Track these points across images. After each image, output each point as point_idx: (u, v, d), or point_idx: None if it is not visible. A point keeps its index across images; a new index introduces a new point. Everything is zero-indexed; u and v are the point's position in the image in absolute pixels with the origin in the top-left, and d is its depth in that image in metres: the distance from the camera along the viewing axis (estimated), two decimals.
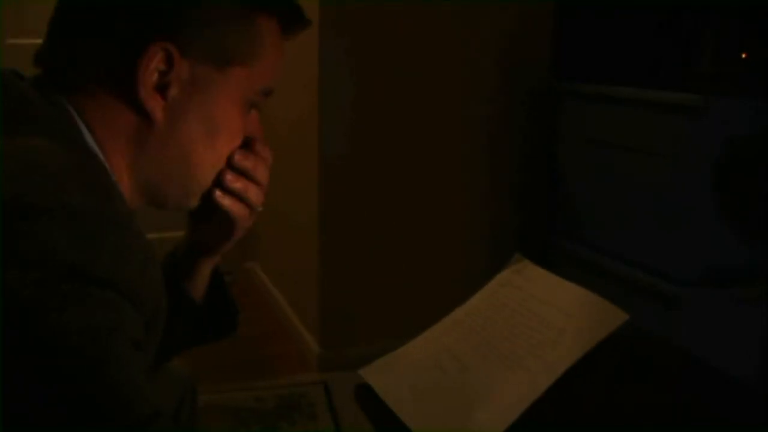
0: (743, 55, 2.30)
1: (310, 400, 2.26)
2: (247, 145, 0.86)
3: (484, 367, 0.98)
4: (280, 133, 2.83)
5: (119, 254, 0.63)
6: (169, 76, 0.73)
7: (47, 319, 0.57)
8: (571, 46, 2.53)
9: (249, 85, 0.80)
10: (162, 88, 0.74)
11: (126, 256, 0.64)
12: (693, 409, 1.11)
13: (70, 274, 0.59)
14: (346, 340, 2.50)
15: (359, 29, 2.32)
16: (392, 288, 2.54)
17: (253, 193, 0.89)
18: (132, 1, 0.72)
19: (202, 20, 0.74)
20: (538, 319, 1.03)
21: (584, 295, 1.03)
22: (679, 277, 2.00)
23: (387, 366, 1.02)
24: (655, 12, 2.52)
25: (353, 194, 2.43)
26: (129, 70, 0.72)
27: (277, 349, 2.66)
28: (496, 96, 2.52)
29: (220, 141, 0.80)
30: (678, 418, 1.08)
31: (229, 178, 0.85)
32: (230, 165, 0.85)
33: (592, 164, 2.30)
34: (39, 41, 0.77)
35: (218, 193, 0.86)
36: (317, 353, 2.48)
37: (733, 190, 1.99)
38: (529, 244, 2.68)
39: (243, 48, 0.77)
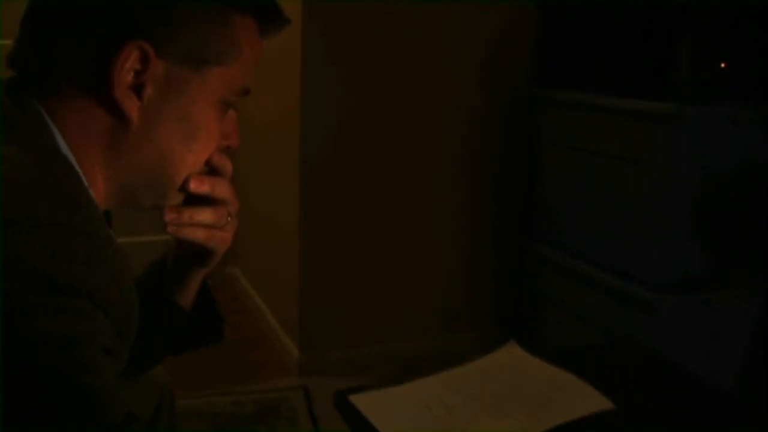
0: (722, 64, 2.34)
1: (290, 405, 2.26)
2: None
3: (472, 414, 0.99)
4: (261, 136, 2.83)
5: (88, 263, 0.63)
6: (144, 75, 0.72)
7: (17, 329, 0.57)
8: (551, 54, 2.55)
9: (226, 86, 0.79)
10: (137, 88, 0.73)
11: (95, 265, 0.64)
12: (669, 412, 1.12)
13: (39, 285, 0.59)
14: (326, 345, 2.50)
15: (342, 34, 2.32)
16: (373, 293, 2.54)
17: (215, 217, 0.88)
18: (107, 0, 0.71)
19: (179, 20, 0.73)
20: (529, 387, 1.04)
21: (575, 380, 1.04)
22: (655, 283, 2.02)
23: (378, 398, 1.03)
24: (635, 21, 2.55)
25: (334, 199, 2.43)
26: (104, 70, 0.71)
27: (257, 354, 2.65)
28: (477, 103, 2.54)
29: (197, 142, 0.79)
30: (654, 421, 1.09)
31: (188, 214, 0.85)
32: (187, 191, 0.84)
33: (571, 171, 2.32)
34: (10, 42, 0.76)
35: (171, 229, 0.85)
36: (297, 358, 2.48)
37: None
38: (507, 250, 2.70)
39: (220, 48, 0.77)
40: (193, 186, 0.83)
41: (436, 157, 2.53)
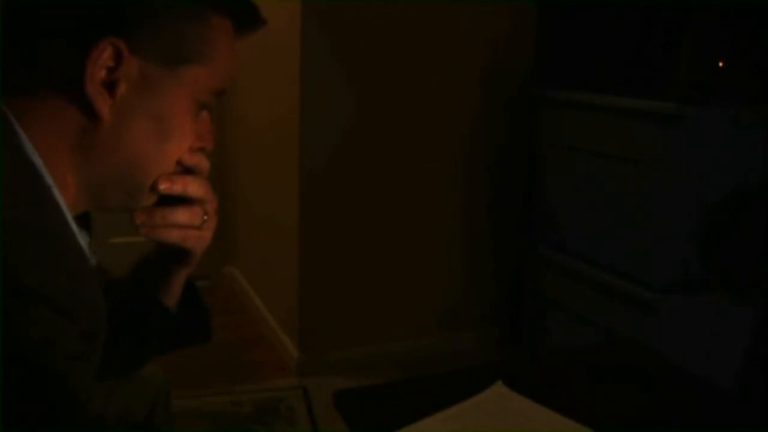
0: (721, 64, 2.33)
1: (289, 405, 2.25)
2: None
3: None
4: (261, 137, 2.83)
5: (48, 266, 0.62)
6: (117, 73, 0.71)
7: None
8: (551, 55, 2.55)
9: (201, 86, 0.78)
10: (110, 86, 0.72)
11: (56, 267, 0.63)
12: (668, 412, 1.12)
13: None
14: (325, 345, 2.50)
15: (341, 34, 2.32)
16: (372, 293, 2.54)
17: (189, 217, 0.86)
18: None
19: (154, 18, 0.73)
20: (525, 428, 1.04)
21: (567, 422, 1.04)
22: (655, 284, 2.02)
23: None
24: (635, 21, 2.55)
25: (334, 199, 2.43)
26: (77, 67, 0.70)
27: (256, 353, 2.64)
28: (477, 102, 2.54)
29: (169, 142, 0.78)
30: (654, 421, 1.09)
31: (160, 215, 0.84)
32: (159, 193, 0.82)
33: (571, 171, 2.32)
34: None
35: (144, 231, 0.84)
36: (296, 358, 2.48)
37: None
38: (507, 250, 2.70)
39: (196, 47, 0.76)
40: (164, 186, 0.81)
41: (436, 158, 2.53)
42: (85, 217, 0.83)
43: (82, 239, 0.78)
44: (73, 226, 0.74)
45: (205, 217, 0.88)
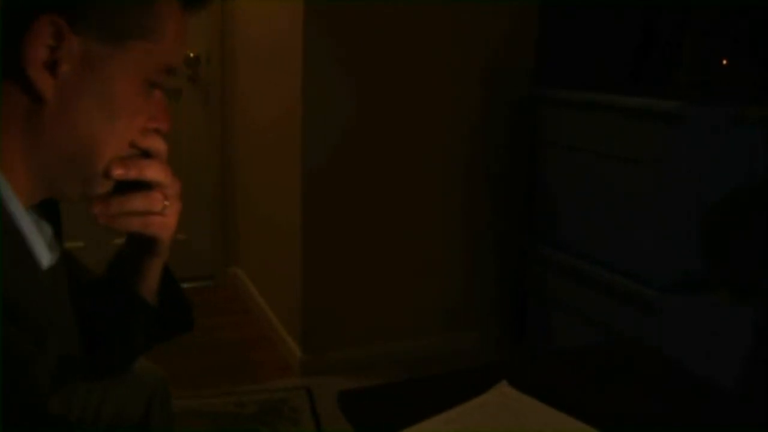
0: (724, 62, 2.33)
1: (293, 405, 2.26)
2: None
3: None
4: (263, 137, 2.83)
5: None
6: (59, 52, 0.68)
7: None
8: (553, 54, 2.55)
9: (149, 63, 0.74)
10: (52, 66, 0.69)
11: None
12: (670, 412, 1.12)
13: None
14: (328, 345, 2.50)
15: (343, 34, 2.32)
16: (374, 293, 2.54)
17: (147, 203, 0.83)
18: None
19: None
20: (530, 427, 1.03)
21: (572, 422, 1.04)
22: (657, 283, 2.02)
23: None
24: (636, 20, 2.55)
25: (336, 199, 2.43)
26: (16, 48, 0.67)
27: (259, 354, 2.65)
28: (478, 102, 2.54)
29: (119, 122, 0.74)
30: (658, 420, 1.09)
31: (116, 203, 0.81)
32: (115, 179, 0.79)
33: (572, 170, 2.32)
34: None
35: (102, 220, 0.80)
36: (299, 358, 2.48)
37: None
38: (508, 249, 2.70)
39: (140, 22, 0.73)
40: (118, 172, 0.77)
41: (437, 157, 2.53)
42: (53, 208, 0.81)
43: (42, 230, 0.77)
44: (20, 216, 0.71)
45: (166, 203, 0.84)
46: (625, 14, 2.55)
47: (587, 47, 2.52)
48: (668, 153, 1.99)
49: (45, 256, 0.76)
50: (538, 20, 2.55)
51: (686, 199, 2.00)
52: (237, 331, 2.82)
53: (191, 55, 3.01)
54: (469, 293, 2.70)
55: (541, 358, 1.76)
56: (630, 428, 1.05)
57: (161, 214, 0.85)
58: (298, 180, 2.39)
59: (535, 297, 2.53)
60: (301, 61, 2.30)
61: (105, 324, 0.92)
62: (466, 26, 2.45)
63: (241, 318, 2.95)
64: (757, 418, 1.11)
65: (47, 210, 0.80)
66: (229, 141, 3.14)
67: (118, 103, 0.74)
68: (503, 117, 2.59)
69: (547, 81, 2.51)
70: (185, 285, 3.29)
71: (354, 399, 1.15)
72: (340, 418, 1.12)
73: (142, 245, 0.90)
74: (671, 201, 2.00)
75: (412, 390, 1.19)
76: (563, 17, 2.54)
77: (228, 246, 3.27)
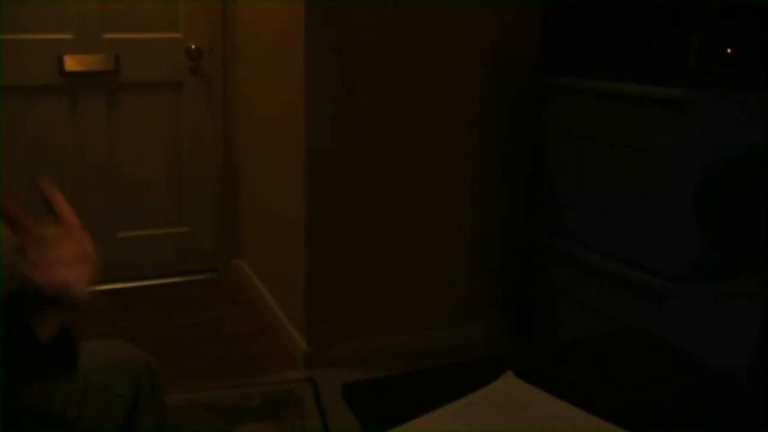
0: (729, 50, 2.31)
1: (298, 397, 2.25)
2: None
3: None
4: (266, 130, 2.82)
5: None
6: None
7: None
8: (559, 42, 2.53)
9: None
10: None
11: None
12: (681, 403, 1.11)
13: None
14: (333, 337, 2.49)
15: (346, 26, 2.30)
16: (379, 285, 2.53)
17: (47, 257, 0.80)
18: None
19: None
20: (537, 418, 1.02)
21: (579, 413, 1.02)
22: (665, 273, 2.00)
23: None
24: (642, 8, 2.52)
25: (340, 191, 2.42)
26: None
27: (264, 346, 2.64)
28: (484, 92, 2.52)
29: None
30: (667, 411, 1.08)
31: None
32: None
33: (580, 160, 2.30)
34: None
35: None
36: (304, 350, 2.47)
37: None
38: (515, 240, 2.69)
39: None
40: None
41: (441, 149, 2.51)
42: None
43: None
44: None
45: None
46: (631, 2, 2.52)
47: (594, 34, 2.49)
48: (677, 141, 1.97)
49: None
50: (544, 7, 2.52)
51: (695, 188, 1.98)
52: (242, 324, 2.81)
53: (193, 47, 3.00)
54: (476, 284, 2.68)
55: (547, 349, 1.75)
56: (637, 419, 1.04)
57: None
58: (301, 172, 2.38)
59: (542, 288, 2.51)
60: (303, 52, 2.28)
61: None
62: (469, 16, 2.43)
63: (245, 311, 2.94)
64: (767, 407, 1.09)
65: None
66: (232, 133, 3.13)
67: None
68: (509, 106, 2.56)
69: (553, 69, 2.48)
70: (189, 278, 3.29)
71: (359, 391, 1.14)
72: (345, 410, 1.11)
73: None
74: (679, 189, 1.98)
75: (418, 382, 1.18)
76: (570, 4, 2.52)
77: (232, 239, 3.27)
